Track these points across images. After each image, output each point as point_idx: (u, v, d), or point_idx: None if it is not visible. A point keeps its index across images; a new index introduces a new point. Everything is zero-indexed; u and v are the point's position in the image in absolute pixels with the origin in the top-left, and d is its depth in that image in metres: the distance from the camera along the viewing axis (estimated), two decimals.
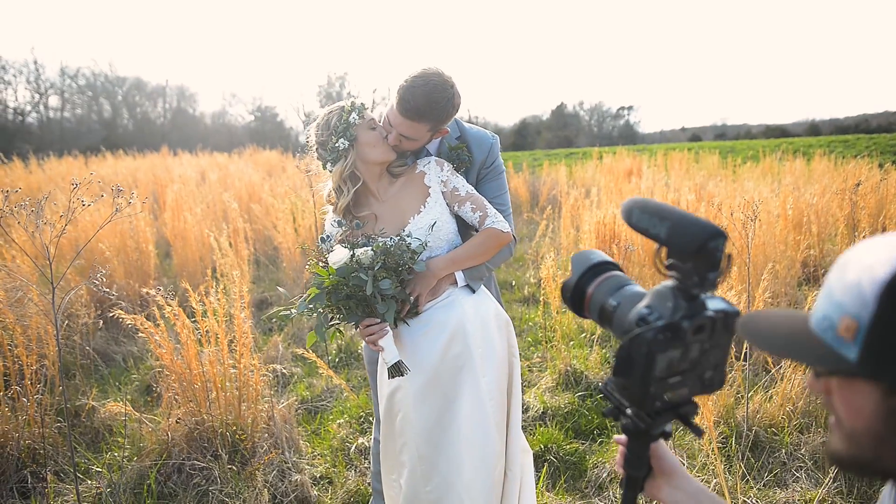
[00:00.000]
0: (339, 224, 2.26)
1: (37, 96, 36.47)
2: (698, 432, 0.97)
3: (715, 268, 0.85)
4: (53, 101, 37.85)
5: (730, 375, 3.52)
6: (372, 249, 2.04)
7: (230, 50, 70.73)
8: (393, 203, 2.25)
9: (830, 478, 2.83)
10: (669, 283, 0.91)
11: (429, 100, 2.10)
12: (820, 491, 2.82)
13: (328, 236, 2.28)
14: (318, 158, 2.28)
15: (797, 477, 3.00)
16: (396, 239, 2.11)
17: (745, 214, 3.38)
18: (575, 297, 1.07)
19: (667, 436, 1.02)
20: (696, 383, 0.93)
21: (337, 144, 2.17)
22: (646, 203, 0.93)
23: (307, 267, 2.20)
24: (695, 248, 0.84)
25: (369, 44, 74.37)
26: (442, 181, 2.23)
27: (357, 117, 2.17)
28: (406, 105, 2.11)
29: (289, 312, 2.14)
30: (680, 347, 0.87)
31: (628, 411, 0.97)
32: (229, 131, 42.18)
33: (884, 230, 5.59)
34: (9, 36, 55.49)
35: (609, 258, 1.09)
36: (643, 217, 0.92)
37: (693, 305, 0.87)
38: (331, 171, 2.24)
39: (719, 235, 0.84)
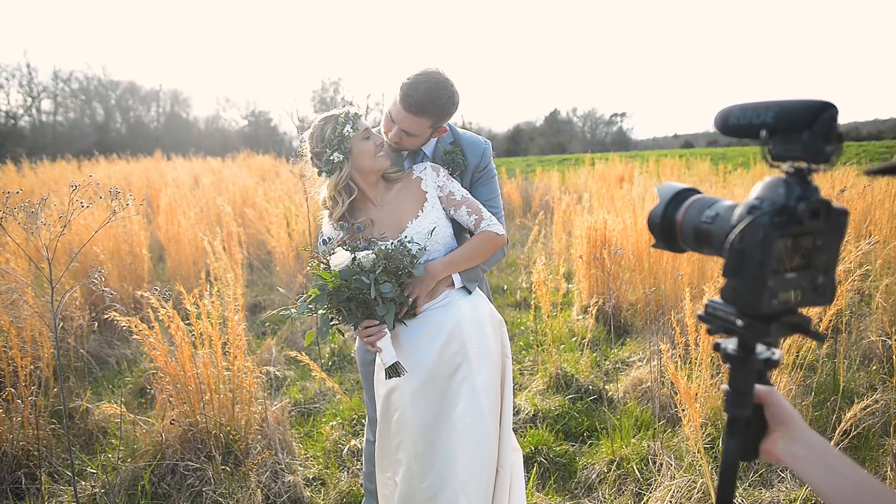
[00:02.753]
0: (342, 227, 2.28)
1: (29, 100, 36.38)
2: (819, 337, 0.90)
3: (831, 140, 0.83)
4: (46, 104, 37.78)
5: (717, 378, 3.58)
6: (374, 253, 2.07)
7: (224, 54, 70.77)
8: (390, 208, 2.29)
9: None
10: (778, 175, 0.88)
11: (432, 95, 2.16)
12: (804, 490, 2.87)
13: (329, 238, 2.30)
14: (312, 166, 2.30)
15: (782, 477, 3.06)
16: (397, 243, 2.15)
17: None
18: (665, 228, 1.02)
19: (773, 364, 0.94)
20: (809, 288, 0.87)
21: (331, 157, 2.19)
22: (741, 104, 0.93)
23: (308, 268, 2.23)
24: (809, 120, 0.83)
25: (363, 49, 74.53)
26: (438, 186, 2.28)
27: (351, 130, 2.18)
28: (410, 100, 2.16)
29: (289, 312, 2.18)
30: (795, 234, 0.83)
31: (738, 322, 0.89)
32: (223, 136, 42.19)
33: (869, 236, 5.67)
34: (1, 39, 55.32)
35: (692, 187, 1.05)
36: (744, 113, 0.92)
37: (806, 188, 0.84)
38: (326, 179, 2.27)
39: (831, 106, 0.83)
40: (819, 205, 0.83)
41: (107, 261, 5.58)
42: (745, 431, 0.98)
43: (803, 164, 0.85)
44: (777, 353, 0.93)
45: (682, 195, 1.02)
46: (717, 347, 0.95)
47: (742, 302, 0.87)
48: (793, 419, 0.97)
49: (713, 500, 2.70)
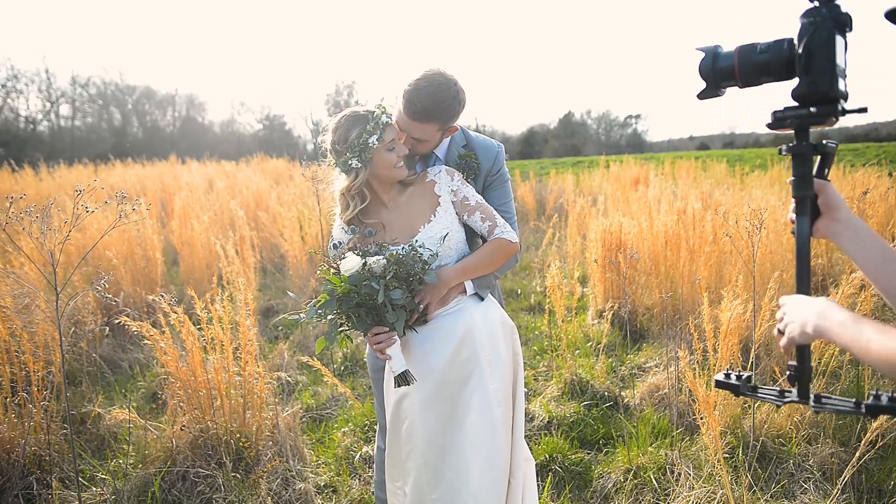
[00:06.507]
0: (352, 231, 2.23)
1: (48, 105, 36.89)
2: (863, 109, 1.20)
3: None
4: (64, 109, 38.33)
5: None
6: (385, 258, 2.02)
7: (239, 59, 71.33)
8: (402, 212, 2.23)
9: (839, 489, 2.79)
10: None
11: (434, 100, 2.11)
12: (828, 502, 2.78)
13: (339, 243, 2.25)
14: (330, 155, 2.22)
15: (805, 488, 2.97)
16: (408, 248, 2.09)
17: (750, 223, 3.36)
18: (717, 73, 1.28)
19: (829, 155, 1.23)
20: (844, 84, 1.18)
21: (350, 162, 2.12)
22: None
23: (318, 273, 2.19)
24: None
25: (377, 53, 74.84)
26: (452, 191, 2.22)
27: (376, 141, 2.09)
28: (413, 108, 2.12)
29: (298, 317, 2.14)
30: (844, 37, 1.16)
31: (812, 109, 1.18)
32: (238, 139, 42.50)
33: (893, 239, 5.55)
34: (21, 45, 56.22)
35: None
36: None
37: (836, 8, 1.15)
38: (343, 172, 2.19)
39: None
40: (846, 17, 1.15)
41: (120, 265, 5.59)
42: (811, 210, 1.25)
43: None
44: (832, 145, 1.24)
45: (718, 49, 1.30)
46: (781, 151, 1.25)
47: (818, 90, 1.16)
48: (839, 204, 1.22)
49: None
